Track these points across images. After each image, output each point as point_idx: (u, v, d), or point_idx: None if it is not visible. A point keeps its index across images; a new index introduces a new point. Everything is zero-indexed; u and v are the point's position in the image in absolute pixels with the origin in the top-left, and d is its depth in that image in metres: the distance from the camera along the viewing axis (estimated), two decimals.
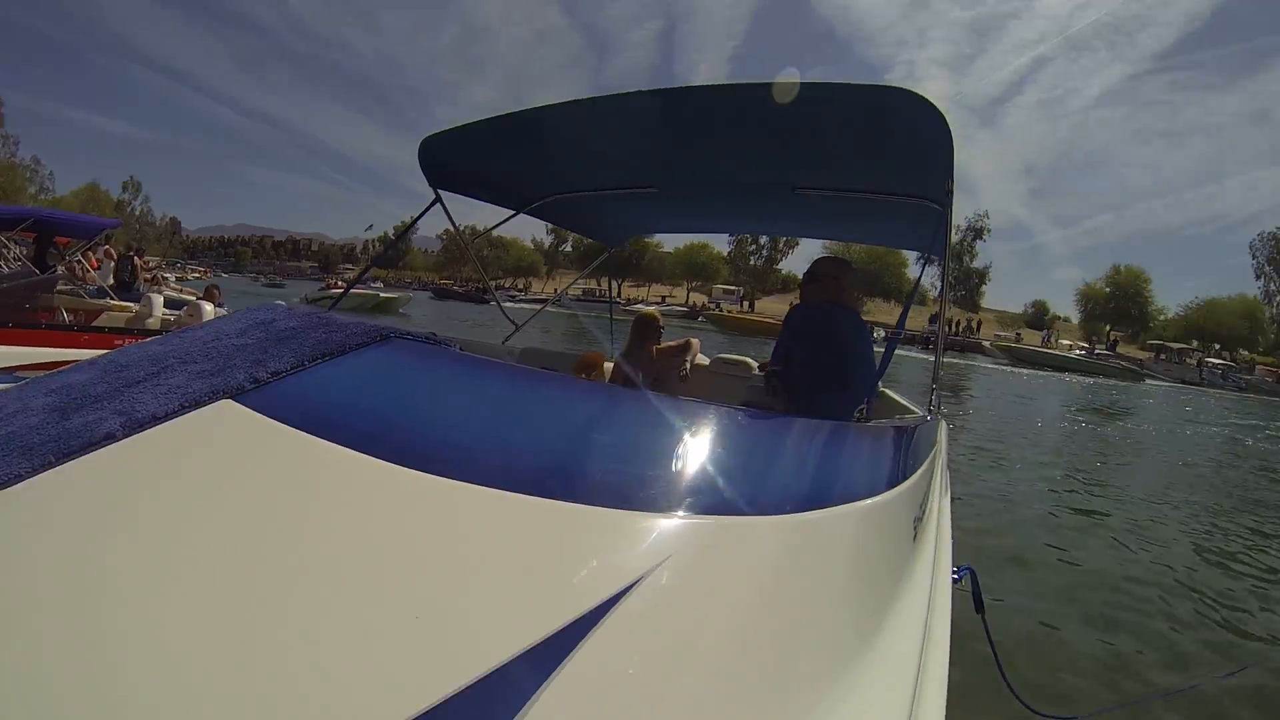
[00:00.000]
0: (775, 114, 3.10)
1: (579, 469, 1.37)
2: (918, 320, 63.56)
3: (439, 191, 4.12)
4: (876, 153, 3.45)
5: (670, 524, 1.19)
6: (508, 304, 6.57)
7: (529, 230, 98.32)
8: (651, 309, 5.39)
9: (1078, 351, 62.26)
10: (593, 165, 4.22)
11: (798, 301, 4.07)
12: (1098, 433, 18.26)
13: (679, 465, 1.39)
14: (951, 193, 3.30)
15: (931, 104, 2.66)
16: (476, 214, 5.40)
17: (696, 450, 1.46)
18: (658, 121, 3.43)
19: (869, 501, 1.61)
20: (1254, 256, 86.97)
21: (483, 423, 1.53)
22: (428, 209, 4.23)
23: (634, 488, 1.29)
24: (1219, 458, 16.53)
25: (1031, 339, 71.66)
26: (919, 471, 2.23)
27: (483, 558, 1.09)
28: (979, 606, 3.02)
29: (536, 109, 3.36)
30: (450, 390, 1.69)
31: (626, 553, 1.12)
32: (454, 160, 4.05)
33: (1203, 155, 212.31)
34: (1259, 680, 4.44)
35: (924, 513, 2.22)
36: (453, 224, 4.44)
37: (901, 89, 2.68)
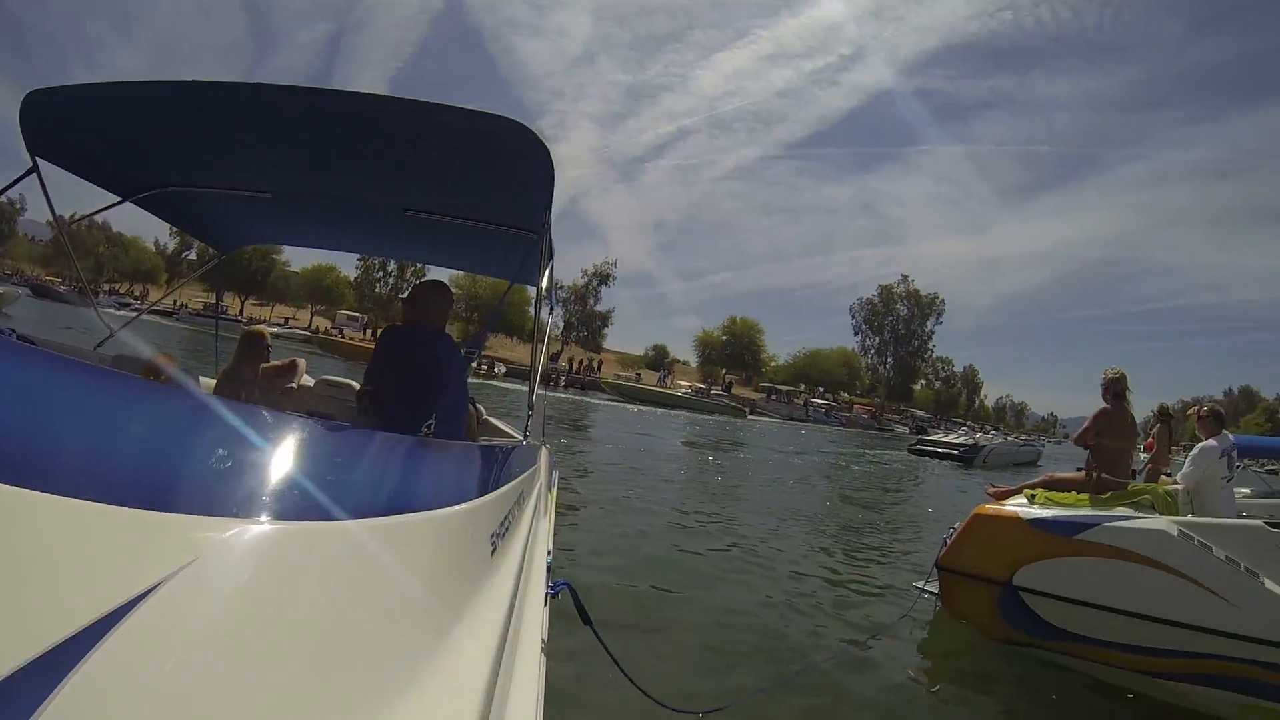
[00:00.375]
0: (388, 130, 3.17)
1: (120, 470, 1.15)
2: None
3: (38, 161, 3.61)
4: (481, 180, 3.53)
5: (209, 525, 1.08)
6: (119, 312, 5.64)
7: (154, 230, 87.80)
8: (260, 326, 4.91)
9: (684, 390, 66.95)
10: (209, 159, 3.88)
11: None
12: (715, 463, 19.50)
13: (233, 469, 1.29)
14: (549, 224, 3.43)
15: (538, 137, 2.75)
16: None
17: (256, 456, 1.35)
18: (275, 120, 3.26)
19: (435, 513, 1.59)
20: (853, 316, 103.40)
21: (25, 418, 1.22)
22: (20, 179, 3.68)
23: (179, 489, 1.17)
24: (822, 482, 18.78)
25: (650, 379, 76.33)
26: (502, 490, 2.24)
27: None
28: (586, 619, 3.09)
29: (157, 82, 3.01)
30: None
31: (154, 555, 0.98)
32: (61, 125, 3.52)
33: (816, 232, 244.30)
34: (833, 667, 5.02)
35: (506, 530, 2.18)
36: (49, 203, 4.10)
37: (510, 119, 2.72)
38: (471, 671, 1.31)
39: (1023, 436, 66.61)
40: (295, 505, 1.25)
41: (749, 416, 61.30)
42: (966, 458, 35.36)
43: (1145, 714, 4.89)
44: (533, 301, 4.71)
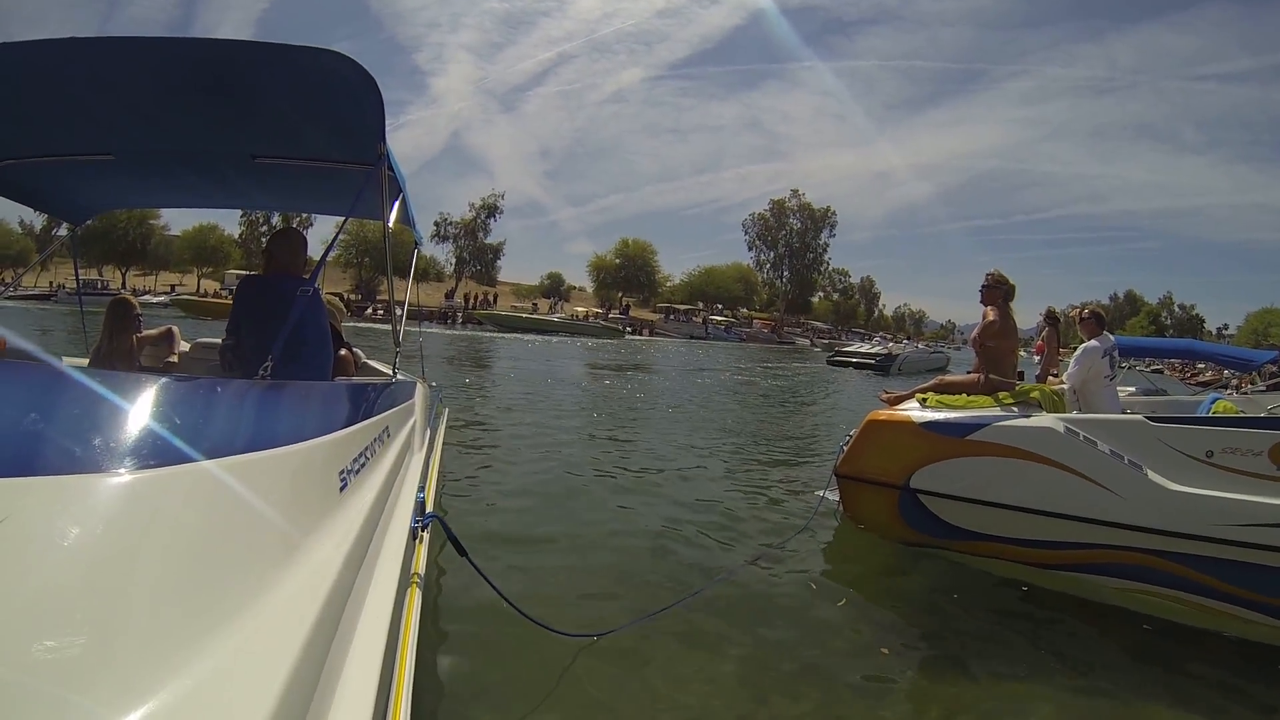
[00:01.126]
0: (219, 75, 3.06)
1: None
2: (434, 297, 64.38)
3: None
4: (317, 117, 3.46)
5: (20, 486, 1.10)
6: None
7: (15, 211, 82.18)
8: (126, 294, 4.71)
9: (559, 316, 65.49)
10: (39, 125, 3.61)
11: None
12: (617, 387, 19.49)
13: (47, 428, 1.31)
14: (385, 154, 3.36)
15: (359, 65, 2.74)
16: None
17: (71, 413, 1.38)
18: (103, 76, 3.08)
19: (268, 453, 1.59)
20: (746, 232, 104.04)
21: None
22: None
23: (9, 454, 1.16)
24: (730, 400, 18.82)
25: (545, 307, 75.32)
26: (357, 427, 2.28)
27: None
28: (461, 550, 3.10)
29: None
30: None
31: None
32: None
33: (704, 150, 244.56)
34: (736, 583, 5.03)
35: (362, 466, 2.20)
36: None
37: (330, 51, 2.74)
38: (305, 600, 1.31)
39: (932, 344, 69.10)
40: (115, 456, 1.25)
41: (648, 335, 61.84)
42: (883, 366, 38.11)
43: (1039, 605, 5.07)
44: (408, 238, 4.53)
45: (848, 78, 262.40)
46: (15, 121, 3.54)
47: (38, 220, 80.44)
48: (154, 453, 1.31)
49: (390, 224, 3.83)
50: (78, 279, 6.62)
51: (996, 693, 3.88)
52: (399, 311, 4.29)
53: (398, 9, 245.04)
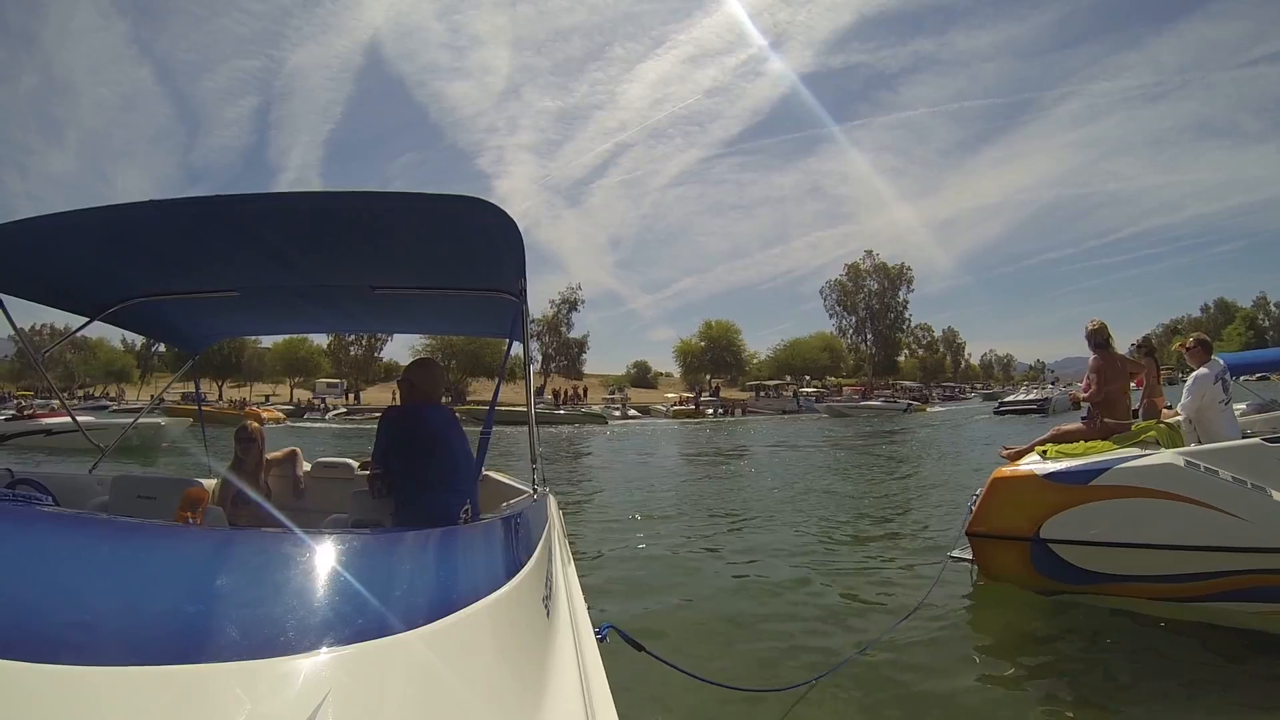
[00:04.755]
0: (350, 221, 3.37)
1: (207, 625, 1.21)
2: (522, 394, 63.48)
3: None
4: (455, 254, 3.67)
5: (321, 660, 1.14)
6: (89, 418, 5.82)
7: (118, 331, 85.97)
8: (253, 423, 5.03)
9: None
10: (171, 269, 3.96)
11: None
12: (720, 471, 19.31)
13: (310, 599, 1.35)
14: (525, 290, 3.72)
15: (505, 212, 2.95)
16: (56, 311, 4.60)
17: (322, 580, 1.41)
18: (237, 225, 3.32)
19: (496, 595, 1.67)
20: (825, 300, 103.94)
21: (86, 593, 1.26)
22: None
23: (271, 632, 1.19)
24: (825, 474, 18.33)
25: (635, 395, 74.94)
26: (536, 552, 2.33)
27: None
28: (638, 647, 3.45)
29: (110, 207, 3.09)
30: (36, 560, 1.36)
31: (284, 700, 1.05)
32: (12, 258, 3.54)
33: (770, 222, 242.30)
34: (892, 646, 5.24)
35: (551, 590, 2.30)
36: (14, 328, 4.13)
37: (474, 198, 2.92)
38: None
39: (1067, 386, 68.77)
40: (392, 619, 1.32)
41: (741, 415, 61.29)
42: (1043, 408, 47.06)
43: (1182, 636, 5.20)
44: (501, 342, 4.88)
45: (900, 129, 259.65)
46: (146, 267, 3.88)
47: (138, 340, 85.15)
48: (405, 613, 1.37)
49: (529, 346, 4.07)
50: (199, 405, 7.14)
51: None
52: (535, 429, 4.38)
53: (457, 118, 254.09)
